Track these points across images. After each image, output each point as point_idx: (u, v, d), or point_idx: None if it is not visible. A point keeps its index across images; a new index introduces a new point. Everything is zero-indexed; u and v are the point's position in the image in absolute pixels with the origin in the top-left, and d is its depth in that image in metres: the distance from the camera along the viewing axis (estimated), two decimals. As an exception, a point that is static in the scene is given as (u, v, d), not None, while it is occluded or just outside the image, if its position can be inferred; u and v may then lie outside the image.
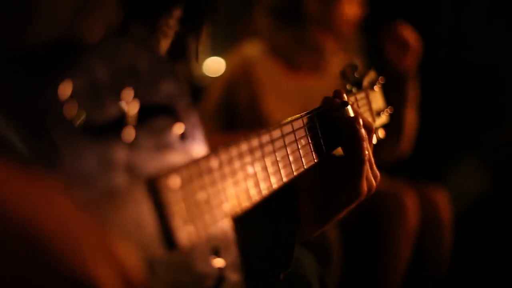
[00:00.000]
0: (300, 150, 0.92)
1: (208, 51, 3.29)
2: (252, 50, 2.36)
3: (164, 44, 0.76)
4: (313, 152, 0.95)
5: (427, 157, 2.53)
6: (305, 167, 0.92)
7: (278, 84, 2.31)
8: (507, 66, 3.27)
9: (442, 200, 2.42)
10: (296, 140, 0.92)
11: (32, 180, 0.48)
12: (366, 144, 0.95)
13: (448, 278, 2.47)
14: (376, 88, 1.16)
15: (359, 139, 0.94)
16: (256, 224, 0.97)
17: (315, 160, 0.95)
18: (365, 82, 1.13)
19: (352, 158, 0.95)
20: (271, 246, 0.98)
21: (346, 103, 0.96)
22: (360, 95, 1.09)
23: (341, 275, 2.20)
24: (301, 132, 0.93)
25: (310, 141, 0.95)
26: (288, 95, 2.31)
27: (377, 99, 1.17)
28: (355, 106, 1.03)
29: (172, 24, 0.75)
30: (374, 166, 1.00)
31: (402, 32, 2.21)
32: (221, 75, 2.45)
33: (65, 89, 0.59)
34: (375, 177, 0.99)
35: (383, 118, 1.18)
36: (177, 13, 0.75)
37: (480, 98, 3.28)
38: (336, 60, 2.38)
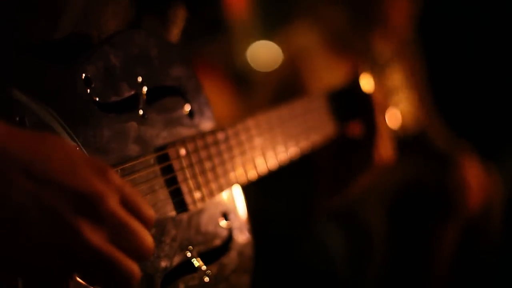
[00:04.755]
0: (318, 121, 1.02)
1: (253, 34, 2.87)
2: (302, 39, 2.28)
3: (175, 32, 0.85)
4: (328, 124, 1.05)
5: (481, 137, 2.49)
6: (321, 138, 1.01)
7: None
8: None
9: (494, 183, 2.36)
10: (311, 111, 1.01)
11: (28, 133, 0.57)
12: (380, 118, 1.09)
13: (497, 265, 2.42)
14: (392, 66, 1.21)
15: (373, 111, 1.08)
16: (274, 195, 1.07)
17: (332, 132, 1.04)
18: (382, 60, 1.20)
19: (366, 127, 1.09)
20: (287, 215, 1.09)
21: (363, 78, 1.08)
22: (377, 73, 1.16)
23: (387, 258, 2.16)
24: (317, 104, 1.03)
25: (325, 115, 1.04)
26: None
27: (393, 77, 1.23)
28: (371, 82, 1.12)
29: (179, 13, 0.84)
30: (389, 142, 1.11)
31: None
32: (270, 73, 2.43)
33: (87, 74, 0.70)
34: (387, 151, 1.11)
35: (400, 97, 1.24)
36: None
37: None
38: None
